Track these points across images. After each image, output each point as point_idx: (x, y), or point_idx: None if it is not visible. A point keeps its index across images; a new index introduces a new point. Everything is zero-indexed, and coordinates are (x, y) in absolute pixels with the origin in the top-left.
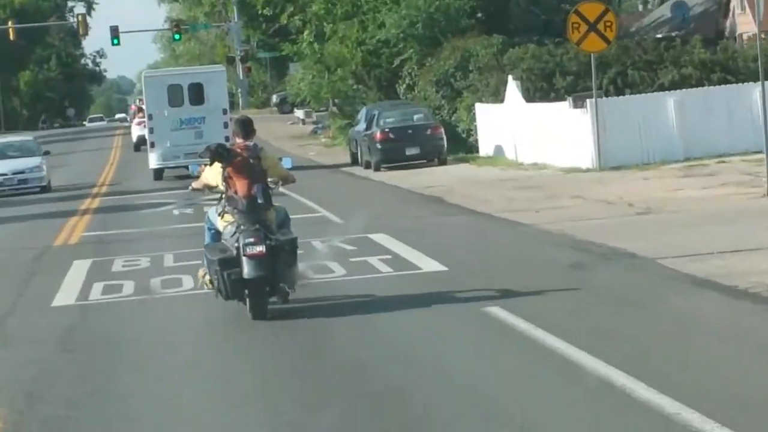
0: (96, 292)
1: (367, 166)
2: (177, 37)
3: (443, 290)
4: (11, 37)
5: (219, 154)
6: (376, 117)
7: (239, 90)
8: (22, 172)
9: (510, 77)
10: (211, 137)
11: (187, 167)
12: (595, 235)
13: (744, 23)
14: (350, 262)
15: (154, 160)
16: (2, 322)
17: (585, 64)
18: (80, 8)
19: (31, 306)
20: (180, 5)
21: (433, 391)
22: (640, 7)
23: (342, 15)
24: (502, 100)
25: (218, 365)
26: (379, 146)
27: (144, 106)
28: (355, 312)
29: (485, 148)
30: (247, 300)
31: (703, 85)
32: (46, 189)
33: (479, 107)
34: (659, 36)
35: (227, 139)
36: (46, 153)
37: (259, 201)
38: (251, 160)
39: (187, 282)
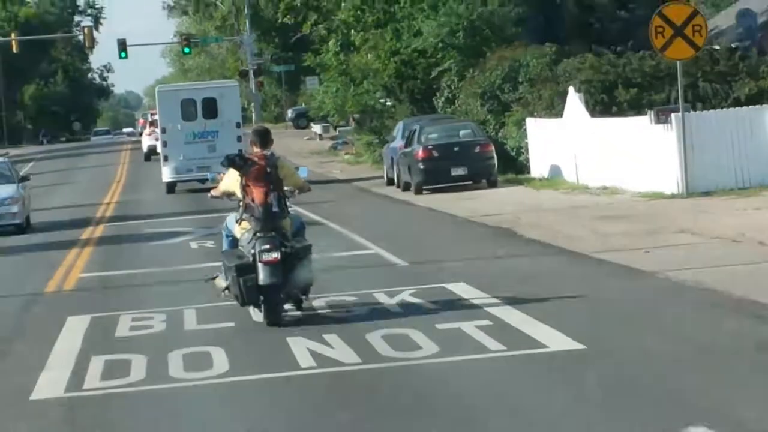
0: (94, 373)
1: (406, 187)
2: (186, 50)
3: (603, 392)
4: (14, 49)
5: (236, 162)
6: (416, 133)
7: (252, 104)
8: None
9: (571, 89)
10: (225, 151)
11: (200, 181)
12: (755, 290)
13: None
14: (438, 331)
15: (167, 174)
16: None
17: (650, 75)
18: (87, 22)
19: (1, 399)
20: (190, 19)
21: None
22: None
23: (373, 23)
24: (557, 114)
25: None
26: (421, 165)
27: (157, 119)
28: None
29: (538, 169)
30: (263, 306)
31: None
32: (22, 228)
33: (531, 122)
34: (733, 46)
35: (240, 152)
36: (24, 179)
37: (275, 209)
38: (268, 169)
39: (219, 359)
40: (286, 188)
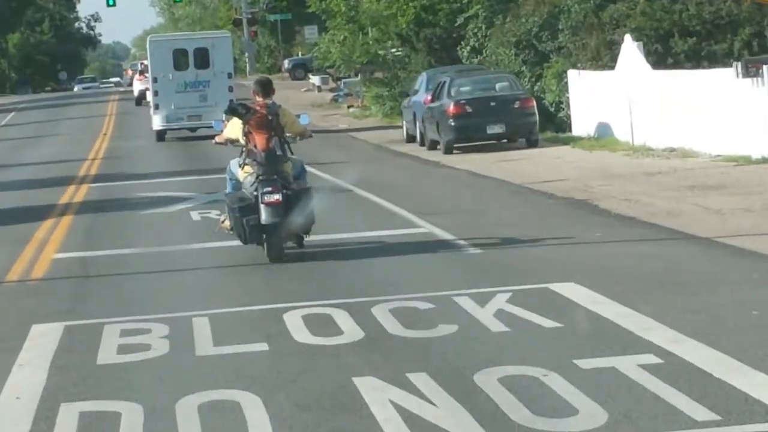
0: None
1: (433, 146)
2: None
3: None
4: None
5: (238, 111)
6: (446, 85)
7: (246, 55)
8: None
9: (628, 37)
10: (216, 101)
11: (191, 129)
12: None
13: None
14: (586, 377)
15: (157, 122)
16: None
17: (709, 23)
18: None
19: None
20: None
21: None
22: None
23: None
24: (604, 66)
25: None
26: (452, 122)
27: (148, 68)
28: None
29: (581, 126)
30: (265, 244)
31: None
32: None
33: (573, 75)
34: None
35: (231, 102)
36: None
37: (277, 153)
38: (270, 117)
39: (256, 418)
40: (287, 135)
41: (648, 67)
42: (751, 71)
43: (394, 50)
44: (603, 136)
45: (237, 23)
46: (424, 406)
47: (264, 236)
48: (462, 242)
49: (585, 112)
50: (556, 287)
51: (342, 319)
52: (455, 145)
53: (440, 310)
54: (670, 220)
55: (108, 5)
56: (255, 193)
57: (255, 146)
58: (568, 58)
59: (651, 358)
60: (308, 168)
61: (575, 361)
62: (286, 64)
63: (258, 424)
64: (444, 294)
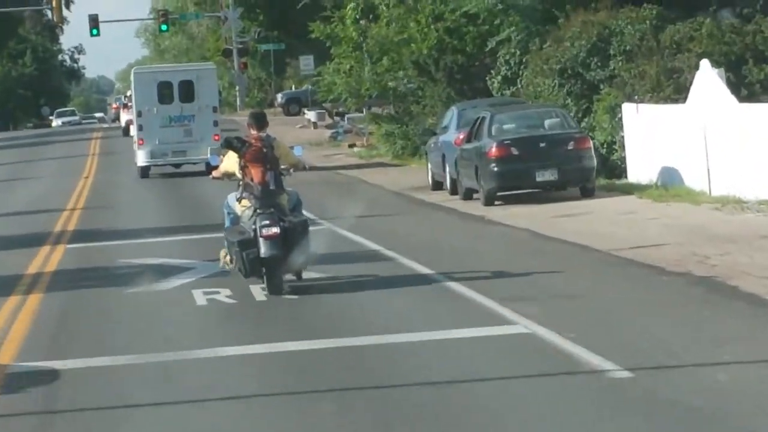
0: None
1: (468, 195)
2: (164, 27)
3: None
4: None
5: (234, 145)
6: (486, 123)
7: (237, 88)
8: None
9: (705, 63)
10: (201, 135)
11: (175, 165)
12: None
13: None
14: None
15: (142, 158)
16: None
17: None
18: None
19: None
20: None
21: None
22: None
23: None
24: (666, 98)
25: None
26: (495, 167)
27: (132, 101)
28: None
29: (639, 171)
30: (264, 277)
31: None
32: None
33: (629, 109)
34: None
35: (227, 137)
36: None
37: (273, 187)
38: (264, 150)
39: None
40: (282, 167)
41: (733, 99)
42: None
43: (405, 81)
44: (670, 184)
45: (227, 54)
46: None
47: (264, 269)
48: (595, 360)
49: (644, 154)
50: None
51: None
52: (499, 194)
53: None
54: None
55: (92, 35)
56: (253, 226)
57: (251, 180)
58: (622, 89)
59: None
60: (324, 224)
61: None
62: (279, 98)
63: None
64: None
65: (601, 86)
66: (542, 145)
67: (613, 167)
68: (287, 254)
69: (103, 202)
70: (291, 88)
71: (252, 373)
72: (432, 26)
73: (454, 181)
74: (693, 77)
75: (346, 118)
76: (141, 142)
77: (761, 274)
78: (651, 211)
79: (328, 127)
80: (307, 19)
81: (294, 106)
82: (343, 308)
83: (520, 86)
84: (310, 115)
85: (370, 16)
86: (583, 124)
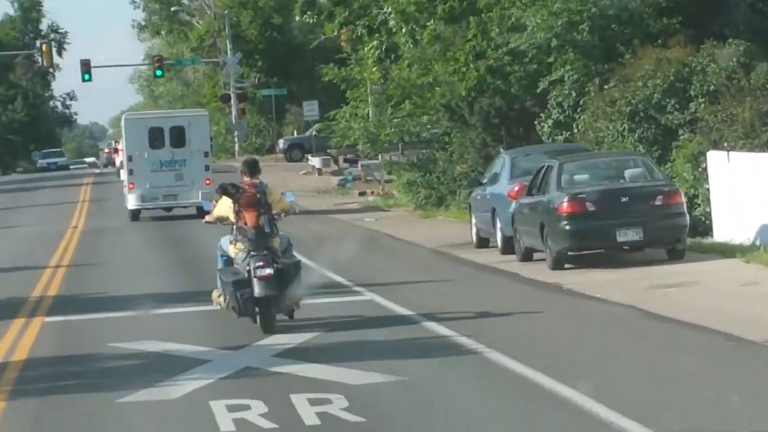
0: None
1: (527, 255)
2: (159, 73)
3: None
4: None
5: (229, 191)
6: (552, 173)
7: (236, 134)
8: None
9: None
10: (192, 180)
11: (166, 209)
12: None
13: None
14: None
15: (132, 201)
16: None
17: None
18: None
19: None
20: (162, 42)
21: None
22: None
23: (444, 14)
24: (762, 145)
25: None
26: (567, 225)
27: (123, 147)
28: None
29: (729, 228)
30: (258, 317)
31: None
32: None
33: (716, 158)
34: None
35: (222, 183)
36: None
37: (266, 230)
38: (258, 195)
39: None
40: (274, 212)
41: None
42: None
43: (429, 126)
44: None
45: (225, 99)
46: None
47: (257, 309)
48: None
49: (734, 209)
50: None
51: None
52: (571, 255)
53: None
54: None
55: (83, 80)
56: (247, 268)
57: (245, 224)
58: (707, 135)
59: None
60: (364, 293)
61: None
62: (281, 143)
63: None
64: None
65: (680, 131)
66: (624, 199)
67: (695, 224)
68: (280, 294)
69: (92, 257)
70: (293, 134)
71: None
72: (472, 65)
73: (508, 239)
74: None
75: (360, 165)
76: (131, 186)
77: None
78: (759, 280)
79: (333, 174)
80: (306, 65)
81: (296, 152)
82: None
83: (576, 131)
84: (315, 161)
85: (392, 57)
86: None
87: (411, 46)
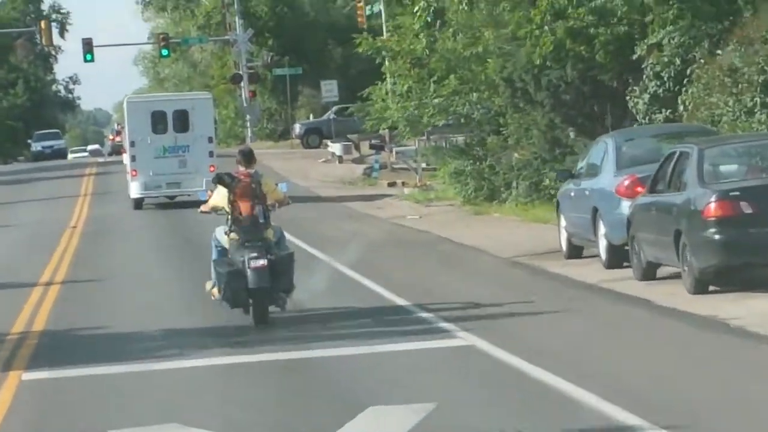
0: None
1: (650, 271)
2: (165, 53)
3: None
4: None
5: (225, 180)
6: (689, 162)
7: (248, 118)
8: None
9: None
10: (196, 166)
11: (170, 198)
12: None
13: None
14: None
15: (135, 189)
16: None
17: None
18: (53, 28)
19: None
20: (167, 20)
21: None
22: None
23: None
24: None
25: None
26: (716, 233)
27: (126, 132)
28: None
29: None
30: (251, 308)
31: None
32: None
33: None
34: None
35: (212, 169)
36: None
37: (261, 220)
38: (253, 185)
39: None
40: (268, 203)
41: None
42: None
43: (479, 106)
44: None
45: (236, 79)
46: None
47: (250, 300)
48: None
49: None
50: None
51: None
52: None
53: None
54: None
55: (85, 60)
56: (241, 258)
57: (240, 214)
58: None
59: None
60: (457, 333)
61: None
62: (297, 128)
63: None
64: None
65: None
66: None
67: None
68: (274, 286)
69: (92, 268)
70: (308, 118)
71: None
72: (547, 27)
73: (616, 250)
74: None
75: (393, 151)
76: (134, 173)
77: None
78: None
79: (354, 161)
80: (319, 43)
81: (314, 137)
82: None
83: (683, 108)
84: (335, 147)
85: (437, 23)
86: None
87: (465, 7)
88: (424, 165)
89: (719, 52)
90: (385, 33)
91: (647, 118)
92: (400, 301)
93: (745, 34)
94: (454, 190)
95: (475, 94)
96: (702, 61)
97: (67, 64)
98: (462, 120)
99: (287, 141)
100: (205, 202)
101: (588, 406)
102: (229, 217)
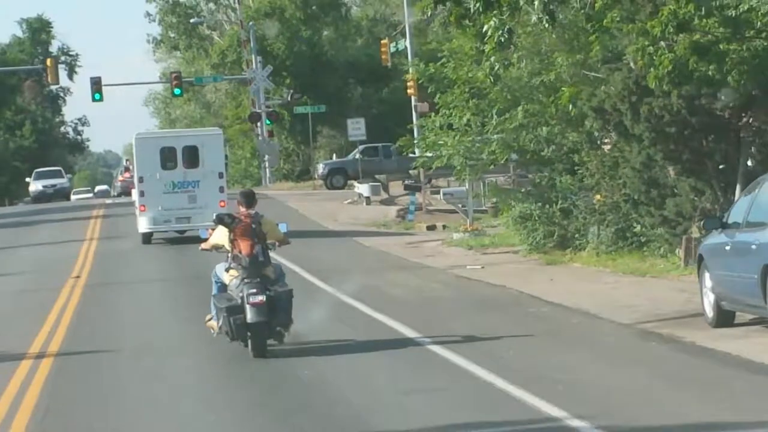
0: None
1: None
2: (177, 92)
3: None
4: None
5: (225, 220)
6: None
7: (266, 158)
8: None
9: None
10: (206, 202)
11: (179, 232)
12: None
13: None
14: None
15: (144, 224)
16: None
17: None
18: (61, 70)
19: None
20: (179, 59)
21: None
22: None
23: None
24: None
25: None
26: None
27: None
28: None
29: None
30: (249, 341)
31: None
32: None
33: None
34: None
35: (218, 213)
36: None
37: (260, 259)
38: (253, 225)
39: None
40: (268, 242)
41: None
42: None
43: (550, 140)
44: None
45: (254, 118)
46: None
47: (249, 334)
48: None
49: None
50: None
51: None
52: None
53: None
54: None
55: (94, 100)
56: (240, 294)
57: (240, 252)
58: None
59: None
60: None
61: None
62: (321, 168)
63: None
64: None
65: None
66: None
67: None
68: (272, 320)
69: (94, 337)
70: (331, 157)
71: None
72: (664, 42)
73: None
74: None
75: (441, 193)
76: (143, 208)
77: None
78: None
79: (383, 203)
80: (338, 82)
81: (338, 177)
82: None
83: None
84: (362, 188)
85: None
86: None
87: (547, 26)
88: (476, 207)
89: None
90: (411, 70)
91: None
92: (553, 410)
93: None
94: (520, 237)
95: (545, 128)
96: None
97: (76, 106)
98: (528, 156)
99: (308, 182)
100: (206, 239)
101: None
102: (230, 254)
